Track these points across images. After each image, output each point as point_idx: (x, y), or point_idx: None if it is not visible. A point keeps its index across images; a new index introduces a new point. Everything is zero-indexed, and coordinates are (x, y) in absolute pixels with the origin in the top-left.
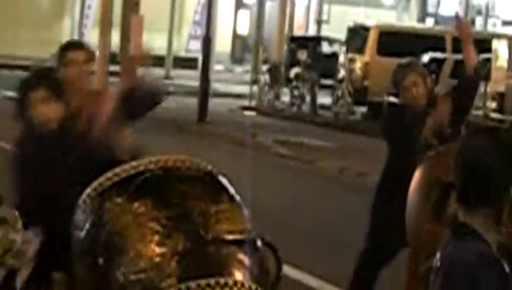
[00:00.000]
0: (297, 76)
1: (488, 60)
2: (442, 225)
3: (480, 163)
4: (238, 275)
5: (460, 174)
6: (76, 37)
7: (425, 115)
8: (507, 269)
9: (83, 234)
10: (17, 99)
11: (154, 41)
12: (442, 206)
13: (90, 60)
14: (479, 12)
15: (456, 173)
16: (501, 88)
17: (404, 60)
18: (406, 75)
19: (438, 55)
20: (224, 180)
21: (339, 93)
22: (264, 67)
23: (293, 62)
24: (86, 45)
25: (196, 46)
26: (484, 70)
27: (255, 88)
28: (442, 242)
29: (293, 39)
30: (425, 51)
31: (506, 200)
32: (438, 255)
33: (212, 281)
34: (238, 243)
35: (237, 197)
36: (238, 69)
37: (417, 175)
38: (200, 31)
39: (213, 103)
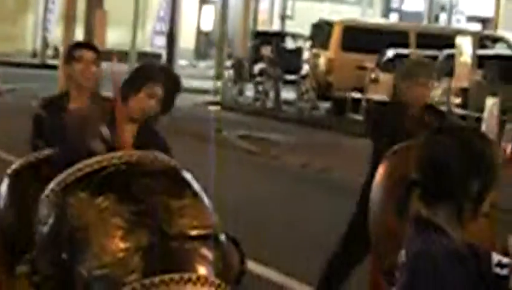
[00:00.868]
0: (261, 71)
1: (452, 56)
2: (405, 221)
3: (441, 160)
4: (202, 270)
5: (423, 171)
6: (40, 32)
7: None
8: (472, 266)
9: (46, 229)
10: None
11: (119, 36)
12: (406, 202)
13: (98, 60)
14: (443, 9)
15: (418, 169)
16: (465, 84)
17: (422, 58)
18: (420, 73)
19: (402, 51)
20: (188, 176)
21: (303, 88)
22: (228, 63)
23: (257, 57)
24: (95, 46)
25: (161, 41)
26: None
27: (219, 83)
28: (405, 238)
29: (257, 35)
30: (389, 46)
31: (468, 197)
32: (403, 251)
33: (176, 276)
34: (201, 238)
35: (201, 193)
36: (202, 64)
37: (381, 171)
38: (164, 27)
39: (177, 98)
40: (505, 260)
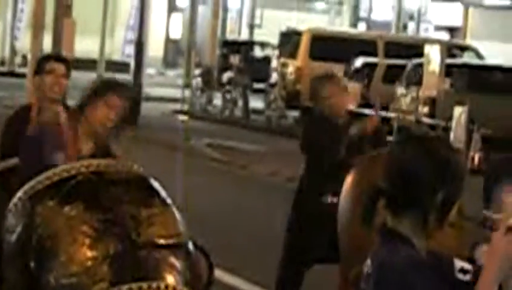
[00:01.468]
0: (229, 80)
1: (420, 64)
2: (371, 231)
3: (408, 169)
4: (170, 279)
5: (389, 180)
6: (8, 39)
7: (347, 125)
8: (436, 275)
9: (14, 237)
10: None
11: (87, 45)
12: (372, 211)
13: (67, 74)
14: (411, 18)
15: (384, 178)
16: (433, 93)
17: (323, 72)
18: (324, 86)
19: (370, 60)
20: (156, 184)
21: (271, 97)
22: (197, 71)
23: (226, 66)
24: (65, 58)
25: (131, 50)
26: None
27: (188, 92)
28: (372, 248)
29: (226, 43)
30: (358, 55)
31: (433, 206)
32: (368, 261)
33: (144, 285)
34: (170, 247)
35: (169, 201)
36: (171, 73)
37: (349, 179)
38: (134, 36)
39: (145, 107)
40: (468, 266)
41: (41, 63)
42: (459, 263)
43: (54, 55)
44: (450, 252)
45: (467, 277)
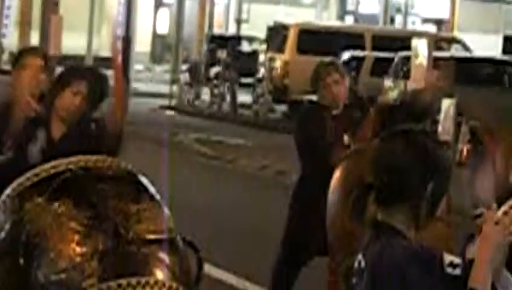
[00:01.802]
0: (217, 75)
1: (408, 58)
2: (361, 225)
3: (396, 164)
4: (159, 274)
5: (378, 175)
6: None
7: (343, 116)
8: (433, 268)
9: (3, 234)
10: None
11: (74, 41)
12: (361, 206)
13: (46, 67)
14: (398, 11)
15: (373, 173)
16: (421, 86)
17: (326, 59)
18: (328, 72)
19: (358, 53)
20: (144, 180)
21: (259, 91)
22: (184, 67)
23: (213, 61)
24: (43, 52)
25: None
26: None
27: (175, 87)
28: (361, 242)
29: (213, 38)
30: (345, 49)
31: (422, 199)
32: (360, 255)
33: (133, 281)
34: (159, 242)
35: (158, 197)
36: (158, 68)
37: (337, 173)
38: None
39: (133, 102)
40: (457, 260)
41: (18, 58)
42: (448, 257)
43: (30, 48)
44: (440, 246)
45: (457, 271)
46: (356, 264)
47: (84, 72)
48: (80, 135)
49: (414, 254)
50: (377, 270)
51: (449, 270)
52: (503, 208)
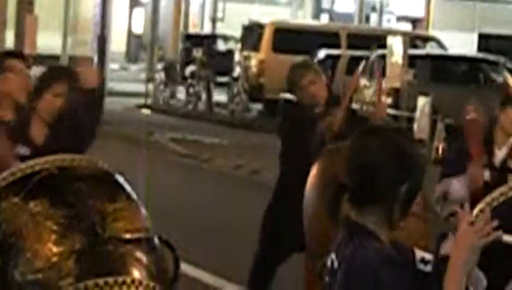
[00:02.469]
0: (192, 74)
1: (383, 56)
2: (336, 225)
3: (370, 163)
4: (136, 274)
5: (352, 174)
6: None
7: (324, 114)
8: (405, 268)
9: None
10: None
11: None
12: (336, 205)
13: (27, 69)
14: (373, 9)
15: (347, 172)
16: (396, 84)
17: (299, 60)
18: (303, 74)
19: (333, 51)
20: (121, 179)
21: (235, 90)
22: (160, 66)
23: (189, 60)
24: (24, 55)
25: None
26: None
27: (151, 86)
28: (334, 241)
29: (188, 37)
30: (321, 47)
31: (396, 199)
32: (333, 255)
33: (110, 280)
34: (136, 241)
35: (134, 196)
36: (134, 67)
37: (313, 172)
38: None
39: (109, 101)
40: (428, 256)
41: None
42: (419, 254)
43: (12, 52)
44: (415, 243)
45: (428, 268)
46: (329, 264)
47: (64, 72)
48: (62, 133)
49: (386, 256)
50: (349, 271)
51: (421, 266)
52: (479, 206)
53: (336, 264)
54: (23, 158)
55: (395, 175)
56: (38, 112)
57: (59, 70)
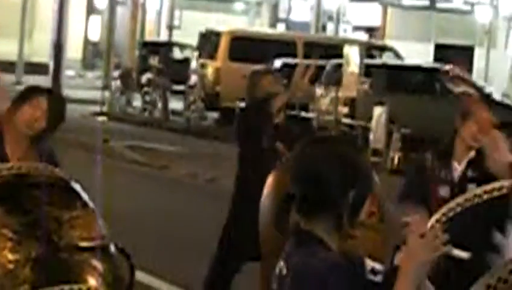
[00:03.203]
0: (149, 82)
1: (340, 65)
2: (285, 234)
3: (316, 172)
4: (92, 281)
5: (299, 183)
6: None
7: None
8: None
9: None
10: None
11: (6, 46)
12: (285, 215)
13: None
14: (330, 18)
15: (293, 182)
16: (352, 93)
17: (258, 66)
18: (263, 75)
19: (290, 60)
20: (77, 187)
21: (191, 98)
22: (116, 73)
23: (145, 68)
24: None
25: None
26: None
27: (107, 94)
28: (284, 250)
29: (145, 45)
30: (277, 56)
31: (344, 207)
32: (282, 262)
33: (66, 287)
34: (91, 249)
35: (90, 204)
36: (90, 74)
37: (269, 181)
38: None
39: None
40: (378, 266)
41: None
42: (369, 264)
43: None
44: (371, 254)
45: (378, 278)
46: (277, 271)
47: (43, 90)
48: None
49: (335, 264)
50: (298, 279)
51: (370, 276)
52: (435, 217)
53: (284, 272)
54: None
55: (341, 183)
56: (16, 125)
57: (39, 88)
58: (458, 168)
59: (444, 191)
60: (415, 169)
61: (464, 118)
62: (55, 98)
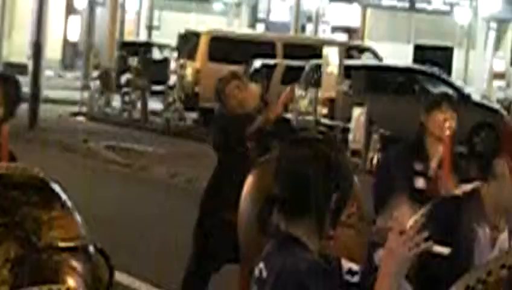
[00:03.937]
0: (128, 82)
1: (319, 66)
2: (266, 235)
3: (298, 174)
4: (71, 282)
5: (281, 185)
6: None
7: (252, 119)
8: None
9: None
10: None
11: None
12: (267, 217)
13: None
14: (309, 19)
15: (276, 183)
16: (332, 94)
17: (226, 73)
18: (227, 81)
19: (269, 61)
20: (56, 187)
21: (170, 99)
22: (95, 74)
23: (124, 68)
24: None
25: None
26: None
27: (86, 94)
28: (264, 252)
29: (124, 45)
30: (256, 57)
31: (326, 209)
32: (261, 264)
33: (44, 288)
34: (70, 250)
35: (69, 204)
36: (69, 75)
37: (247, 182)
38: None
39: (44, 109)
40: (355, 267)
41: None
42: (346, 265)
43: None
44: (350, 254)
45: (355, 279)
46: (257, 273)
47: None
48: None
49: (315, 266)
50: (278, 280)
51: (347, 277)
52: (414, 217)
53: (264, 274)
54: None
55: (324, 185)
56: None
57: None
58: (432, 163)
59: (420, 183)
60: (390, 163)
61: (428, 112)
62: (9, 82)
